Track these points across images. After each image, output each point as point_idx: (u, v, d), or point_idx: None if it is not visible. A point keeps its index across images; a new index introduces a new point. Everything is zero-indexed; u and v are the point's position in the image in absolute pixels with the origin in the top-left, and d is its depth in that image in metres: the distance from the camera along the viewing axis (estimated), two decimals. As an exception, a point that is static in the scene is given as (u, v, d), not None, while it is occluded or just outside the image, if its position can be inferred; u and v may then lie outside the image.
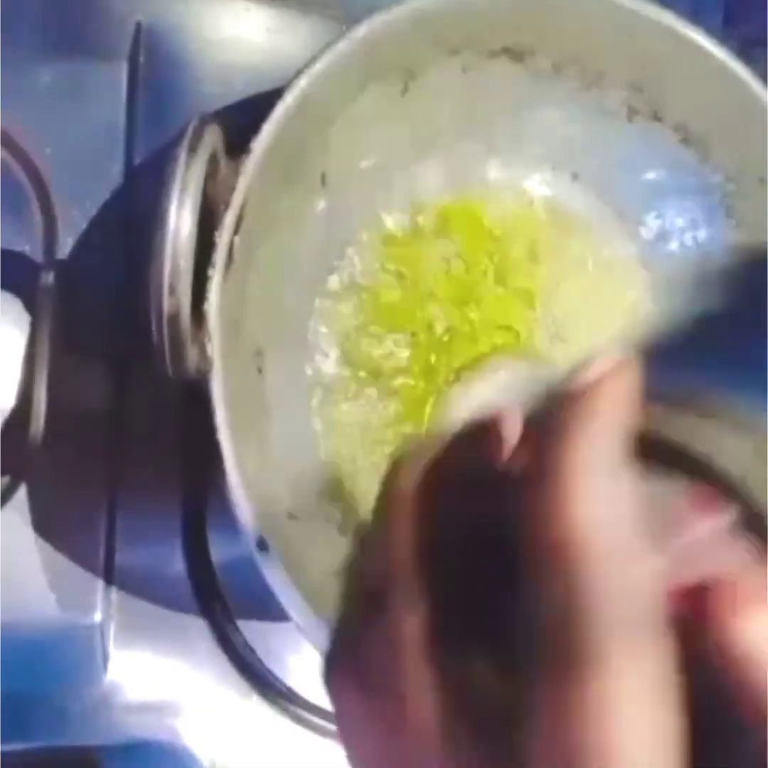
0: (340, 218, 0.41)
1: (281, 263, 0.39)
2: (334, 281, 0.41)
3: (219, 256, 0.31)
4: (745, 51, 0.58)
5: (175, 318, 0.27)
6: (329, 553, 0.39)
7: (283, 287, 0.40)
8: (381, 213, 0.42)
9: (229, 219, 0.31)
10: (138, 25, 0.45)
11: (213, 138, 0.29)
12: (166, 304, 0.27)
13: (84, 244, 0.42)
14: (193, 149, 0.27)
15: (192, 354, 0.29)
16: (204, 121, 0.29)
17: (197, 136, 0.28)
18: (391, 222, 0.43)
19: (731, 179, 0.43)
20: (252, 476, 0.35)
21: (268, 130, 0.32)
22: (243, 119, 0.36)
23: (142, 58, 0.45)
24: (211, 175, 0.30)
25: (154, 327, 0.28)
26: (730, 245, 0.44)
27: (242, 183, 0.31)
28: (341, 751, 0.20)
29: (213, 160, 0.30)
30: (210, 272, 0.30)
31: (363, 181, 0.41)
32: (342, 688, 0.19)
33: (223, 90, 0.45)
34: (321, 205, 0.40)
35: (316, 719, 0.45)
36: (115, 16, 0.45)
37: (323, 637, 0.32)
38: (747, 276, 0.44)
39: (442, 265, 0.43)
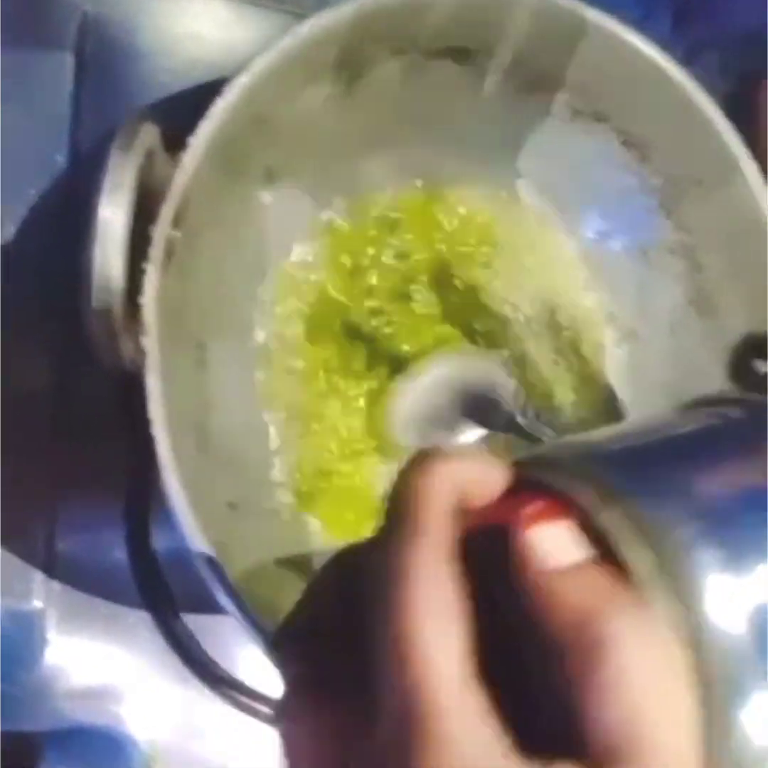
0: (285, 212, 0.42)
1: (226, 257, 0.40)
2: (278, 275, 0.42)
3: (155, 251, 0.31)
4: (694, 55, 0.59)
5: (106, 311, 0.28)
6: (273, 544, 0.39)
7: (227, 281, 0.40)
8: (327, 207, 0.43)
9: (165, 213, 0.31)
10: (85, 15, 0.45)
11: (149, 134, 0.29)
12: (97, 298, 0.27)
13: (26, 233, 0.42)
14: (126, 146, 0.28)
15: (126, 346, 0.30)
16: (140, 117, 0.29)
17: (131, 132, 0.28)
18: (336, 216, 0.43)
19: (671, 181, 0.44)
20: (191, 466, 0.36)
21: (205, 126, 0.32)
22: (189, 112, 0.36)
23: (88, 49, 0.45)
24: (148, 171, 0.31)
25: (86, 319, 0.28)
26: (669, 247, 0.45)
27: (179, 178, 0.31)
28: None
29: (150, 156, 0.30)
30: (145, 266, 0.31)
31: (309, 175, 0.42)
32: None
33: (171, 82, 0.45)
34: (266, 199, 0.41)
35: (256, 705, 0.45)
36: (61, 5, 0.45)
37: (258, 630, 0.33)
38: (686, 277, 0.45)
39: (386, 259, 0.44)
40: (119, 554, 0.44)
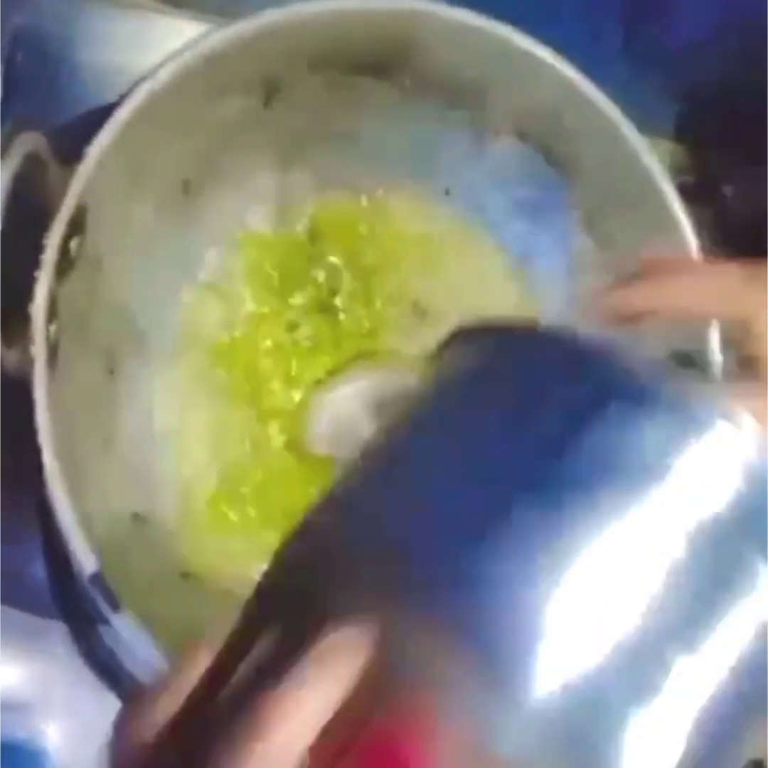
0: (203, 224, 0.42)
1: (139, 267, 0.40)
2: (195, 286, 0.42)
3: (47, 259, 0.31)
4: (642, 70, 0.60)
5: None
6: (175, 554, 0.39)
7: (140, 290, 0.40)
8: (246, 220, 0.43)
9: (58, 223, 0.31)
10: (16, 26, 0.45)
11: (30, 143, 0.29)
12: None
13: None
14: (1, 156, 0.28)
15: (10, 354, 0.30)
16: (19, 125, 0.29)
17: (6, 141, 0.28)
18: (255, 229, 0.43)
19: (594, 199, 0.44)
20: (94, 477, 0.36)
21: (102, 137, 0.32)
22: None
23: (18, 60, 0.45)
24: (39, 180, 0.31)
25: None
26: (594, 263, 0.45)
27: (75, 187, 0.32)
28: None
29: (39, 165, 0.30)
30: (37, 274, 0.31)
31: (228, 188, 0.42)
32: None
33: (102, 94, 0.45)
34: (183, 211, 0.41)
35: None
36: (-8, 16, 0.45)
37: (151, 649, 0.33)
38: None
39: (306, 272, 0.44)
40: (37, 567, 0.43)
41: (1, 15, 0.45)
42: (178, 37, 0.47)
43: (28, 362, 0.31)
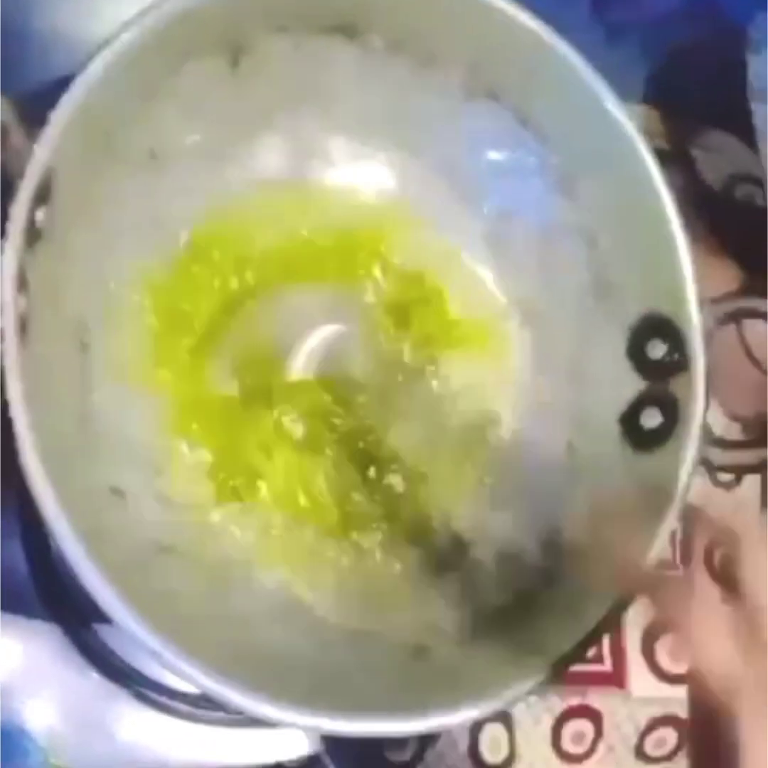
0: (172, 194, 0.41)
1: (109, 238, 0.39)
2: (165, 258, 0.41)
3: (14, 229, 0.30)
4: (612, 37, 0.59)
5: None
6: (155, 529, 0.39)
7: (110, 263, 0.39)
8: (216, 189, 0.42)
9: (23, 191, 0.30)
10: (-27, -5, 0.44)
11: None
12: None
13: None
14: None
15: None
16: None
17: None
18: (226, 198, 0.42)
19: (568, 161, 0.43)
20: (68, 450, 0.35)
21: (65, 102, 0.31)
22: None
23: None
24: (3, 147, 0.30)
25: None
26: (569, 227, 0.45)
27: (40, 154, 0.31)
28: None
29: (3, 132, 0.29)
30: (3, 244, 0.30)
31: (196, 156, 0.41)
32: None
33: (62, 58, 0.44)
34: (150, 180, 0.40)
35: (159, 697, 0.44)
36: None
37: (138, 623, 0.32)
38: (585, 256, 0.45)
39: (280, 242, 0.43)
40: (18, 558, 0.43)
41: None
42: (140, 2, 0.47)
43: (-2, 335, 0.30)
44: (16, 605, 0.43)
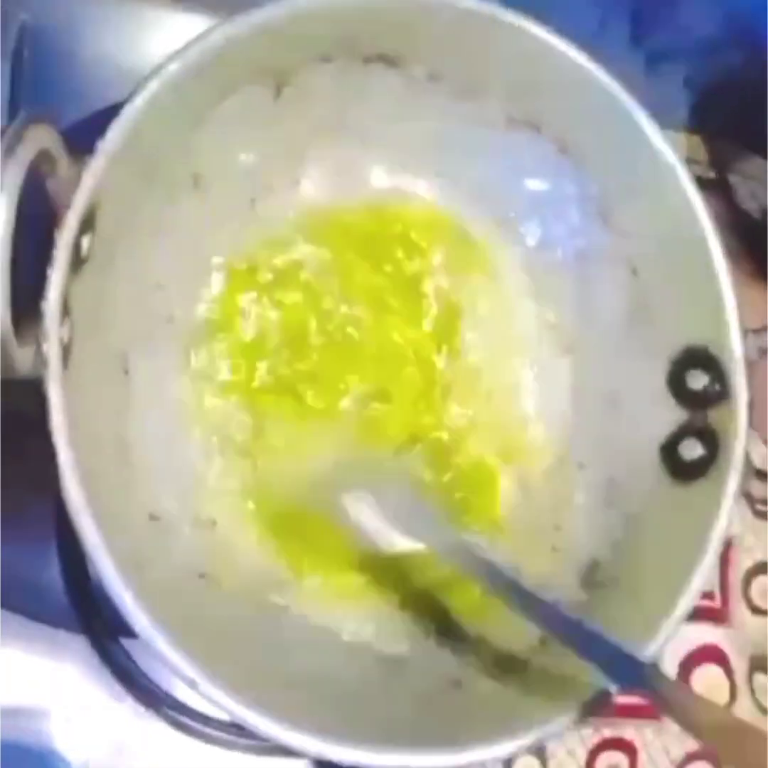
0: (216, 221, 0.42)
1: (152, 265, 0.39)
2: (212, 284, 0.42)
3: (59, 256, 0.31)
4: (652, 65, 0.59)
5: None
6: (192, 555, 0.39)
7: (153, 289, 0.40)
8: (259, 216, 0.42)
9: (70, 219, 0.31)
10: (23, 23, 0.45)
11: (41, 137, 0.29)
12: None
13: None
14: (10, 149, 0.27)
15: (20, 354, 0.29)
16: (30, 120, 0.29)
17: (17, 136, 0.28)
18: (268, 226, 0.43)
19: (607, 189, 0.43)
20: (108, 477, 0.35)
21: (113, 130, 0.32)
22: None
23: (26, 57, 0.44)
24: (50, 176, 0.30)
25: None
26: (608, 255, 0.44)
27: (85, 183, 0.31)
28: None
29: (50, 160, 0.30)
30: (48, 271, 0.30)
31: (239, 183, 0.42)
32: None
33: (109, 91, 0.45)
34: (194, 207, 0.40)
35: (191, 722, 0.44)
36: (-1, 13, 0.45)
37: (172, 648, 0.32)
38: (625, 285, 0.45)
39: (319, 272, 0.43)
40: (53, 572, 0.43)
41: (6, 12, 0.45)
42: (184, 31, 0.47)
43: (42, 362, 0.30)
44: (50, 620, 0.43)
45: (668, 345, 0.43)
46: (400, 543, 0.39)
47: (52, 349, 0.30)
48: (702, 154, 0.57)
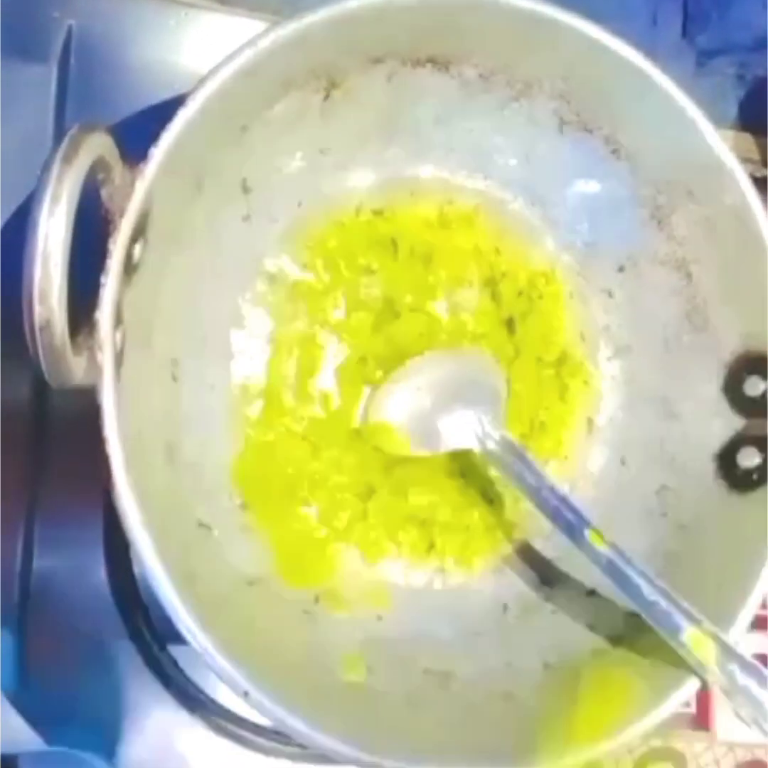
0: (264, 224, 0.41)
1: (200, 271, 0.39)
2: (259, 288, 0.41)
3: (113, 264, 0.30)
4: (704, 62, 0.58)
5: (47, 327, 0.27)
6: (242, 563, 0.38)
7: (202, 295, 0.39)
8: (307, 218, 0.42)
9: (125, 226, 0.30)
10: (70, 29, 0.45)
11: (97, 145, 0.28)
12: (37, 313, 0.27)
13: (9, 247, 0.42)
14: (68, 158, 0.27)
15: (74, 363, 0.29)
16: (86, 128, 0.28)
17: (74, 144, 0.27)
18: (316, 227, 0.42)
19: (661, 192, 0.42)
20: (159, 485, 0.35)
21: (167, 137, 0.32)
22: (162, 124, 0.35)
23: (72, 62, 0.44)
24: (105, 183, 0.30)
25: (27, 336, 0.27)
26: (661, 259, 0.44)
27: (139, 190, 0.31)
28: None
29: (105, 168, 0.29)
30: (103, 280, 0.30)
31: (287, 186, 0.41)
32: None
33: (156, 95, 0.45)
34: (243, 210, 0.40)
35: (238, 729, 0.44)
36: (46, 19, 0.45)
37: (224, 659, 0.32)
38: (678, 289, 0.44)
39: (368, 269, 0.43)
40: (99, 576, 0.43)
41: (52, 18, 0.45)
42: (227, 33, 0.47)
43: (96, 370, 0.30)
44: (95, 624, 0.43)
45: (724, 350, 0.42)
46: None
47: (106, 358, 0.30)
48: (754, 151, 0.56)
